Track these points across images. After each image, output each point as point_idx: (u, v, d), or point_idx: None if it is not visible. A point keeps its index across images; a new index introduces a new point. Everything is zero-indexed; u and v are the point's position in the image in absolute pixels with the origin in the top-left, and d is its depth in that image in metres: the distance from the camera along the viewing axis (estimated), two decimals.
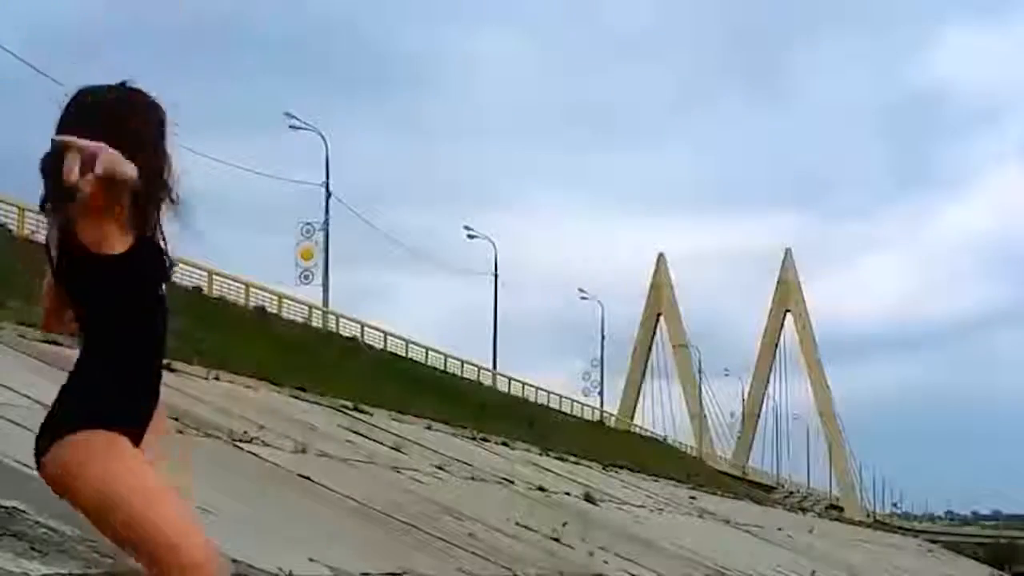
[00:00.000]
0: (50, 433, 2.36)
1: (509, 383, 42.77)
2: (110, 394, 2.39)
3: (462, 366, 40.45)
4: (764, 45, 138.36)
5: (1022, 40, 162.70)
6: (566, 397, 48.47)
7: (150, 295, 2.46)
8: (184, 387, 9.88)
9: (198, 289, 27.05)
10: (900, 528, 72.63)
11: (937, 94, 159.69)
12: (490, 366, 44.38)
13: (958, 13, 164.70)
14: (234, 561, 4.63)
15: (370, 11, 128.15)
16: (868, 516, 74.25)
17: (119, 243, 2.34)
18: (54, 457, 2.34)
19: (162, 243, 2.45)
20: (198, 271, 30.34)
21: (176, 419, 7.93)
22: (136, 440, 2.39)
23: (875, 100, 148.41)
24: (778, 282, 78.91)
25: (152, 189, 2.37)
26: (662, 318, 74.64)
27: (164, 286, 2.49)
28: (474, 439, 16.14)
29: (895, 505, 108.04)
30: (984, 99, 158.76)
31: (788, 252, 79.53)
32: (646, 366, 75.18)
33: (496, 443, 16.44)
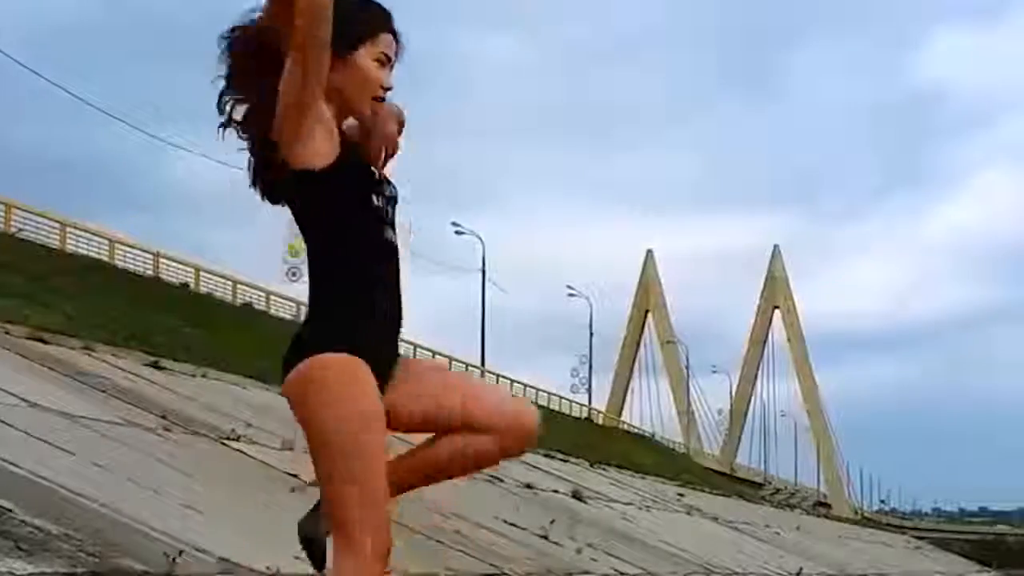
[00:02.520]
0: (297, 353, 2.33)
1: (497, 380, 42.77)
2: (338, 317, 2.35)
3: (450, 363, 40.47)
4: (757, 45, 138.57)
5: (1015, 41, 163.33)
6: (554, 394, 48.49)
7: (354, 209, 2.37)
8: (172, 385, 9.85)
9: (185, 286, 26.97)
10: (887, 525, 72.87)
11: (929, 95, 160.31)
12: (478, 363, 44.37)
13: (951, 14, 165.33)
14: (221, 560, 4.61)
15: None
16: (856, 513, 74.50)
17: (320, 158, 2.31)
18: (296, 372, 2.33)
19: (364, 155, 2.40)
20: (185, 268, 30.28)
21: (163, 417, 7.91)
22: (374, 363, 2.32)
23: (867, 100, 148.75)
24: (766, 279, 79.05)
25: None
26: (650, 315, 74.67)
27: (376, 198, 2.39)
28: None
29: (882, 502, 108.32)
30: (976, 100, 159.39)
31: (776, 249, 79.68)
32: (634, 363, 75.22)
33: None
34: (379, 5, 2.44)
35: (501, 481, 11.81)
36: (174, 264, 30.03)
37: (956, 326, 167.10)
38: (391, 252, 2.42)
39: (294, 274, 39.21)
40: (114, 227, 29.56)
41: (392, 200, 2.45)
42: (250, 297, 31.71)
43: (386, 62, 2.41)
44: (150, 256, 29.20)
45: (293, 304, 34.99)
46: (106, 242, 27.82)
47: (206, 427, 8.23)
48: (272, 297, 34.26)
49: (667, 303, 74.39)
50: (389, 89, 2.41)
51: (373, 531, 2.36)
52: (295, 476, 7.60)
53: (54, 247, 24.39)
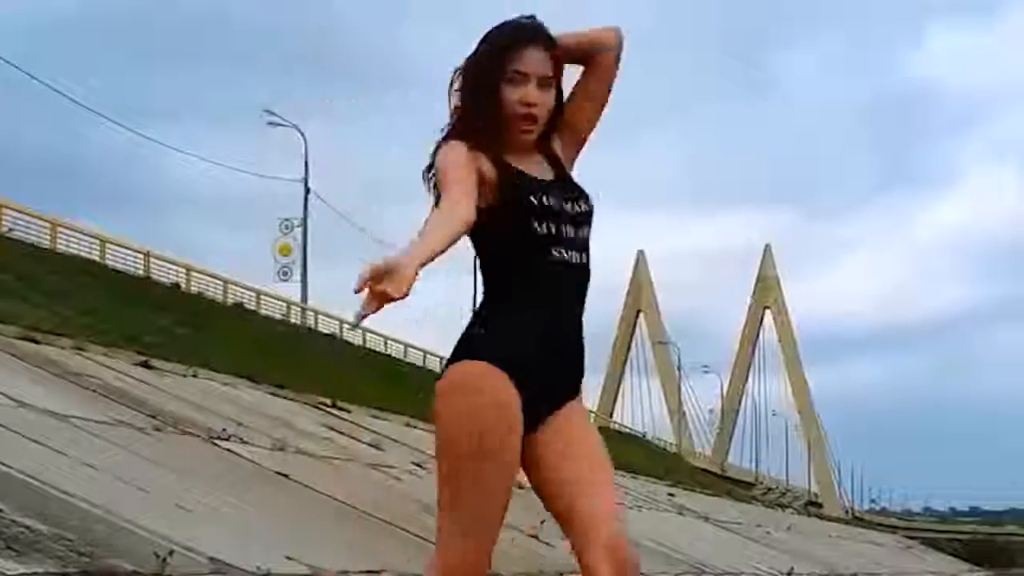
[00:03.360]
0: (451, 356, 2.39)
1: None
2: (492, 330, 2.37)
3: (441, 362, 40.36)
4: (748, 44, 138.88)
5: (1008, 39, 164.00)
6: None
7: (511, 239, 2.38)
8: (161, 384, 9.84)
9: (176, 286, 26.94)
10: (878, 525, 72.96)
11: (922, 93, 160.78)
12: None
13: (945, 13, 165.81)
14: (212, 559, 4.61)
15: (360, 10, 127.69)
16: (847, 513, 74.65)
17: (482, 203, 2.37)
18: (440, 381, 2.36)
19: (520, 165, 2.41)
20: (176, 267, 30.24)
21: (153, 416, 7.90)
22: (521, 380, 2.30)
23: (859, 98, 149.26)
24: (757, 279, 79.16)
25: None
26: (641, 315, 74.75)
27: (539, 224, 2.37)
28: None
29: (873, 501, 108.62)
30: (970, 98, 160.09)
31: (767, 248, 79.81)
32: (625, 363, 75.31)
33: None
34: (506, 27, 2.43)
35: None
36: (165, 264, 30.01)
37: (948, 326, 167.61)
38: (557, 274, 2.38)
39: (285, 274, 39.23)
40: (104, 226, 29.49)
41: (569, 218, 2.41)
42: (241, 297, 31.69)
43: (521, 79, 2.37)
44: (141, 256, 29.16)
45: (284, 304, 34.98)
46: (97, 242, 27.78)
47: (196, 427, 8.22)
48: (263, 297, 34.22)
49: (658, 303, 74.53)
50: (531, 104, 2.37)
51: (453, 559, 2.33)
52: (285, 476, 7.60)
53: (45, 246, 24.35)
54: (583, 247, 2.42)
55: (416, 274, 2.13)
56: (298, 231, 39.15)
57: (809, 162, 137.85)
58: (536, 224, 2.37)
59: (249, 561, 4.75)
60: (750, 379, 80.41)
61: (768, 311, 78.82)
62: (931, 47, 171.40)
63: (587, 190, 2.48)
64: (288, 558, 5.18)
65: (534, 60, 2.38)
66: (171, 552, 4.33)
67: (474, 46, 2.43)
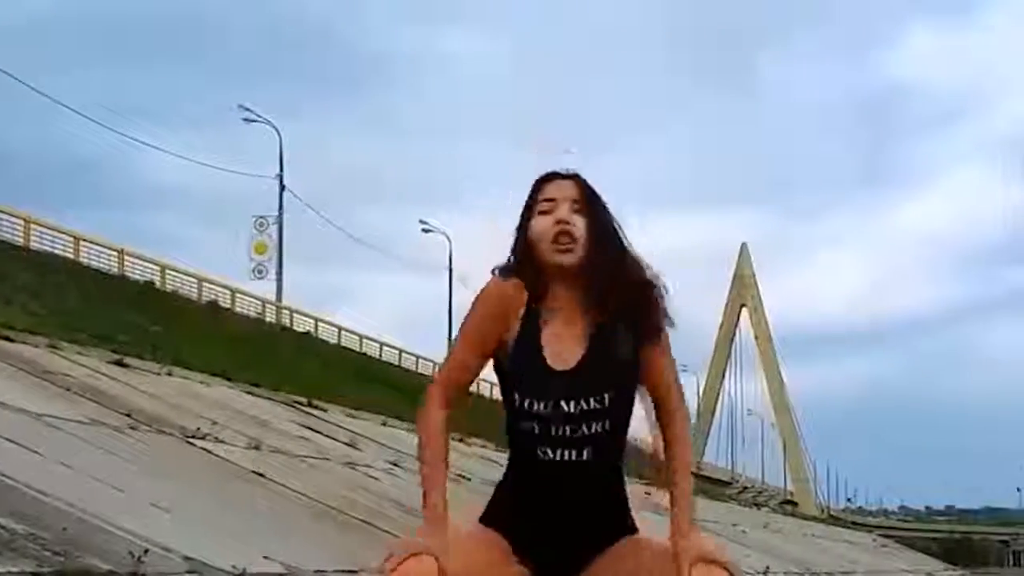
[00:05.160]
0: None
1: None
2: (496, 493, 2.46)
3: (417, 361, 40.38)
4: (728, 44, 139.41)
5: (984, 39, 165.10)
6: None
7: (515, 409, 2.38)
8: (136, 383, 9.79)
9: (150, 284, 26.81)
10: (854, 523, 73.33)
11: (899, 93, 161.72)
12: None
13: (922, 13, 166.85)
14: (187, 559, 4.59)
15: (341, 9, 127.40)
16: (822, 511, 75.02)
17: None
18: None
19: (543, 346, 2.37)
20: (151, 265, 30.09)
21: (128, 415, 7.86)
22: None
23: (836, 98, 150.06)
24: (734, 277, 79.44)
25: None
26: None
27: (539, 404, 2.35)
28: None
29: (849, 500, 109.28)
30: (946, 99, 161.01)
31: (744, 246, 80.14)
32: None
33: (451, 439, 16.40)
34: (541, 176, 2.47)
35: (468, 479, 11.81)
36: (139, 261, 29.84)
37: (924, 325, 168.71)
38: (544, 471, 2.36)
39: (260, 272, 39.07)
40: (79, 225, 29.29)
41: (564, 418, 2.35)
42: (216, 295, 31.54)
43: (551, 205, 2.40)
44: (115, 253, 28.98)
45: (259, 302, 34.85)
46: (71, 239, 27.60)
47: (171, 425, 8.19)
48: (238, 295, 34.07)
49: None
50: (564, 221, 2.37)
51: None
52: (261, 475, 7.58)
53: (18, 244, 24.18)
54: (586, 443, 2.36)
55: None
56: (273, 229, 39.03)
57: (786, 161, 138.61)
58: (522, 422, 2.37)
59: (225, 560, 4.73)
60: (726, 377, 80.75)
61: (745, 309, 79.13)
62: (908, 47, 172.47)
63: (619, 376, 2.40)
64: (264, 557, 5.17)
65: (562, 187, 2.42)
66: (146, 551, 4.31)
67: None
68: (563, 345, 2.37)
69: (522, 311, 2.38)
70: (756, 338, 78.77)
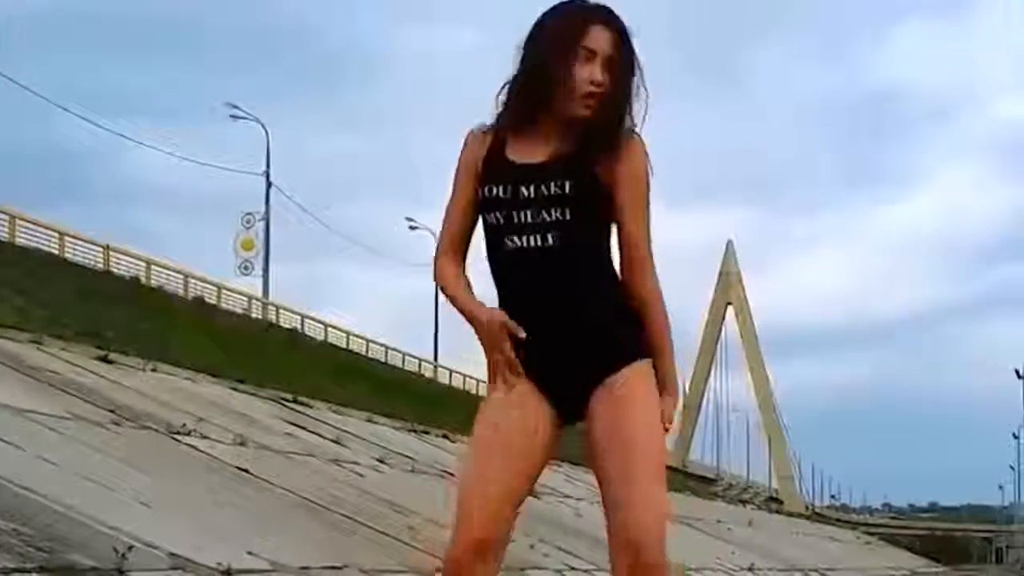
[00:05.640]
0: None
1: (450, 375, 42.73)
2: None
3: (403, 358, 40.35)
4: (714, 42, 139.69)
5: (972, 39, 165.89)
6: None
7: (487, 231, 2.51)
8: (121, 379, 9.76)
9: (136, 279, 26.72)
10: (838, 520, 73.58)
11: (886, 92, 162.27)
12: (431, 357, 44.28)
13: (910, 12, 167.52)
14: (172, 555, 4.58)
15: (324, 6, 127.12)
16: (807, 509, 75.21)
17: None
18: None
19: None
20: (136, 261, 29.99)
21: (113, 411, 7.83)
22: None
23: (824, 97, 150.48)
24: (720, 274, 79.50)
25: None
26: None
27: (494, 216, 2.47)
28: (415, 432, 16.11)
29: (833, 497, 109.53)
30: (932, 98, 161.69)
31: (730, 244, 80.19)
32: None
33: (437, 436, 16.42)
34: (572, 4, 2.46)
35: (454, 476, 11.82)
36: (125, 257, 29.74)
37: (909, 324, 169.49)
38: (514, 262, 2.45)
39: (246, 268, 38.99)
40: (65, 220, 29.18)
41: (524, 202, 2.43)
42: (202, 291, 31.45)
43: (589, 56, 2.40)
44: (100, 249, 28.88)
45: (245, 298, 34.78)
46: (56, 235, 27.50)
47: (156, 421, 8.16)
48: (224, 291, 33.99)
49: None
50: (598, 84, 2.40)
51: (457, 523, 2.40)
52: (246, 471, 7.56)
53: (4, 239, 24.08)
54: (549, 228, 2.41)
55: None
56: (260, 225, 38.95)
57: (772, 159, 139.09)
58: (487, 214, 2.48)
59: (210, 557, 4.72)
60: (712, 375, 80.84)
61: (730, 307, 79.23)
62: (896, 47, 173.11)
63: (584, 173, 2.44)
64: (249, 553, 5.15)
65: (603, 40, 2.41)
66: (130, 547, 4.29)
67: (539, 18, 2.47)
68: (529, 149, 2.46)
69: (487, 150, 2.49)
70: (742, 336, 78.89)
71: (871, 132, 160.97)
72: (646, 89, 2.47)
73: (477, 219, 2.52)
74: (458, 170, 2.54)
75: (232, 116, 38.05)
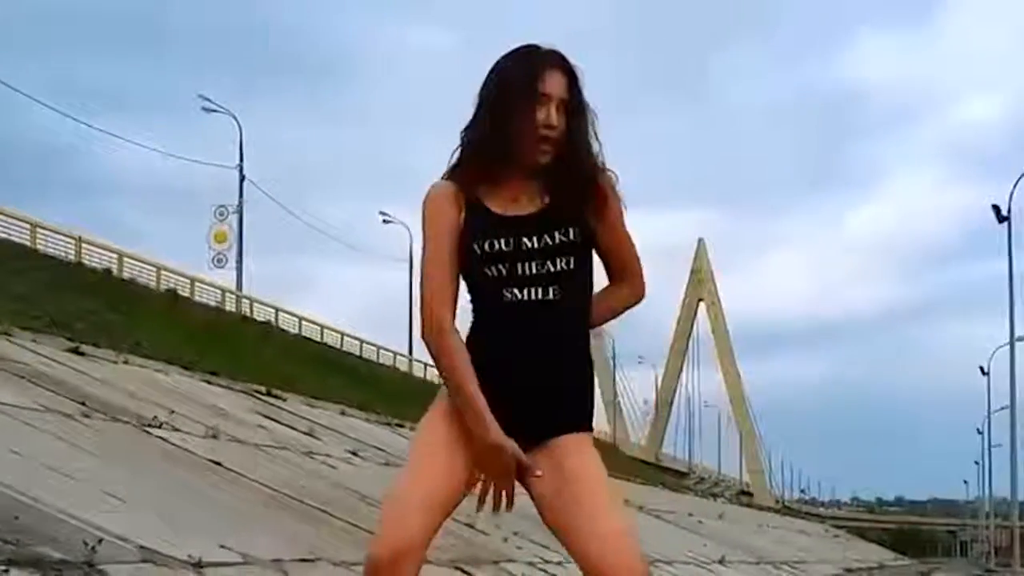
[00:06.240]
0: None
1: (425, 369, 42.69)
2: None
3: (378, 352, 40.29)
4: (681, 46, 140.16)
5: (935, 43, 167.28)
6: None
7: (467, 267, 2.47)
8: (92, 370, 9.70)
9: (108, 271, 26.54)
10: (808, 514, 74.06)
11: (851, 96, 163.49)
12: (406, 351, 44.23)
13: (873, 16, 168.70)
14: (142, 548, 4.56)
15: (300, 1, 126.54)
16: (777, 502, 75.74)
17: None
18: None
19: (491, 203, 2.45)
20: (108, 253, 29.80)
21: (84, 403, 7.78)
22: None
23: (790, 100, 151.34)
24: (691, 272, 79.92)
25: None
26: None
27: (490, 269, 2.42)
28: (389, 424, 16.10)
29: (803, 491, 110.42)
30: (895, 101, 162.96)
31: (701, 242, 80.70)
32: None
33: (411, 429, 16.40)
34: (527, 51, 2.46)
35: None
36: (96, 249, 29.56)
37: (877, 322, 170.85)
38: (511, 315, 2.41)
39: (219, 261, 38.80)
40: (38, 213, 28.91)
41: (527, 254, 2.39)
42: (175, 283, 31.29)
43: (545, 100, 2.40)
44: (72, 241, 28.69)
45: (218, 291, 34.62)
46: (27, 226, 27.29)
47: (127, 414, 8.12)
48: (197, 284, 33.84)
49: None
50: (552, 127, 2.40)
51: (382, 525, 2.39)
52: (218, 464, 7.53)
53: None
54: (552, 281, 2.40)
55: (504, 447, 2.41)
56: (233, 218, 38.77)
57: (739, 162, 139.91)
58: (485, 268, 2.42)
59: (181, 549, 4.70)
60: (684, 371, 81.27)
61: (702, 303, 79.63)
62: (860, 50, 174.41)
63: (580, 218, 2.43)
64: (221, 546, 5.14)
65: (556, 83, 2.42)
66: (100, 540, 4.27)
67: (493, 68, 2.47)
68: (509, 201, 2.45)
69: (463, 203, 2.45)
70: (713, 332, 79.31)
71: (834, 135, 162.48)
72: (597, 135, 2.49)
73: (459, 275, 2.47)
74: (429, 226, 2.46)
75: (204, 109, 37.87)
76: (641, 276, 2.61)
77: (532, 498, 2.49)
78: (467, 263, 2.44)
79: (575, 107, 2.44)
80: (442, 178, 2.50)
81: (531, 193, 2.45)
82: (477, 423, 2.37)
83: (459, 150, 2.49)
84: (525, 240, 2.39)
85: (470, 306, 2.50)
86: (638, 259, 2.59)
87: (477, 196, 2.45)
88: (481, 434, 2.37)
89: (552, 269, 2.39)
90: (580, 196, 2.43)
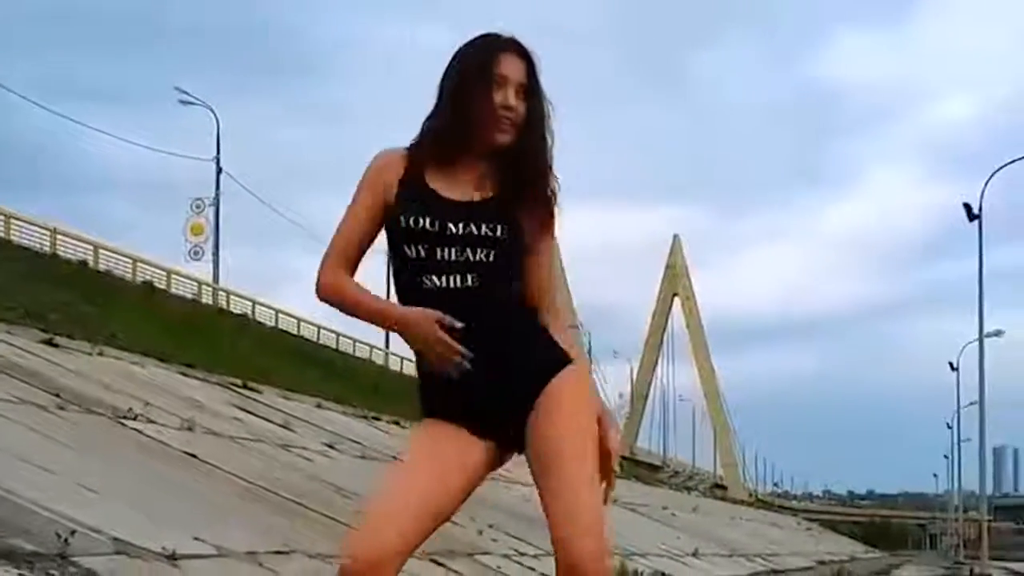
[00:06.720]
0: None
1: (402, 362, 42.63)
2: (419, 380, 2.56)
3: (354, 345, 40.22)
4: (663, 44, 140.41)
5: (912, 43, 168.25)
6: None
7: (391, 243, 2.49)
8: (67, 362, 9.66)
9: (83, 263, 26.39)
10: (780, 507, 74.46)
11: (829, 94, 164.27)
12: (383, 345, 44.16)
13: (852, 16, 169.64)
14: (115, 540, 4.56)
15: None
16: (750, 495, 76.12)
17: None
18: None
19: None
20: (83, 245, 29.63)
21: (58, 395, 7.76)
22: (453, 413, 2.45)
23: (769, 98, 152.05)
24: (666, 267, 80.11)
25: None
26: None
27: (411, 248, 2.43)
28: (366, 418, 16.09)
29: (776, 485, 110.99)
30: (873, 100, 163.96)
31: (676, 238, 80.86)
32: None
33: (388, 422, 16.41)
34: (486, 36, 2.50)
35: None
36: (72, 241, 29.38)
37: (848, 319, 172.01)
38: (430, 301, 2.41)
39: (196, 253, 38.64)
40: (16, 206, 28.73)
41: (451, 239, 2.40)
42: (151, 276, 31.15)
43: (502, 82, 2.44)
44: (47, 232, 28.51)
45: (194, 283, 34.47)
46: (2, 217, 27.10)
47: (102, 406, 8.09)
48: (174, 276, 33.70)
49: (570, 289, 74.99)
50: (510, 108, 2.43)
51: (356, 534, 2.38)
52: (193, 456, 7.53)
53: None
54: (471, 269, 2.40)
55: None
56: (210, 211, 38.62)
57: (718, 159, 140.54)
58: (406, 246, 2.42)
59: (155, 541, 4.70)
60: (659, 365, 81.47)
61: (677, 298, 79.82)
62: (840, 49, 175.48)
63: (512, 217, 2.44)
64: (195, 538, 5.14)
65: (514, 67, 2.46)
66: (73, 532, 4.27)
67: (452, 57, 2.50)
68: (452, 182, 2.46)
69: (403, 174, 2.46)
70: (688, 327, 79.52)
71: (813, 133, 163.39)
72: (551, 133, 2.50)
73: (374, 237, 2.49)
74: (362, 185, 2.49)
75: (182, 102, 37.69)
76: (551, 295, 2.54)
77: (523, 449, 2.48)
78: (392, 236, 2.46)
79: (533, 92, 2.47)
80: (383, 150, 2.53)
81: (480, 180, 2.46)
82: (392, 320, 2.44)
83: (419, 136, 2.51)
84: (450, 225, 2.40)
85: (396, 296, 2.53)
86: (552, 282, 2.55)
87: (422, 172, 2.46)
88: (399, 326, 2.42)
89: (471, 259, 2.40)
90: (525, 196, 2.45)
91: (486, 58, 2.45)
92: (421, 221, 2.40)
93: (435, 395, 2.48)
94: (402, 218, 2.42)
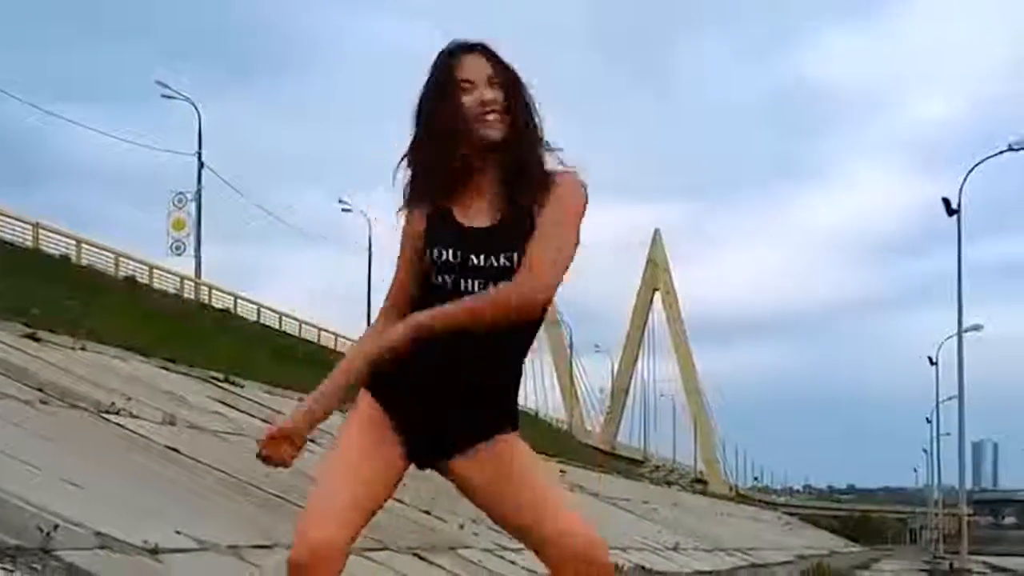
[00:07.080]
0: None
1: None
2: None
3: (336, 339, 40.21)
4: (645, 41, 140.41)
5: (892, 41, 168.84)
6: None
7: (420, 272, 2.50)
8: (49, 357, 9.66)
9: (66, 258, 26.33)
10: (761, 501, 74.72)
11: (811, 91, 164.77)
12: None
13: (833, 14, 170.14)
14: (98, 534, 4.58)
15: None
16: (731, 490, 76.35)
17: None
18: None
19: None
20: (66, 239, 29.52)
21: (40, 389, 7.77)
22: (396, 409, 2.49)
23: (750, 95, 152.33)
24: (647, 262, 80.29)
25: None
26: None
27: (437, 276, 2.43)
28: (346, 411, 16.09)
29: (756, 479, 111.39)
30: (854, 97, 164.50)
31: (657, 233, 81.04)
32: None
33: None
34: (437, 58, 2.48)
35: None
36: (54, 235, 29.28)
37: (829, 314, 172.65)
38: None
39: (178, 248, 38.51)
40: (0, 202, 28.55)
41: (473, 271, 2.40)
42: (133, 270, 31.07)
43: (470, 86, 2.42)
44: (29, 227, 28.40)
45: (177, 278, 34.39)
46: None
47: (84, 400, 8.11)
48: (156, 271, 33.62)
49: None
50: (487, 103, 2.41)
51: (305, 527, 2.43)
52: (175, 450, 7.55)
53: None
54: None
55: (302, 440, 2.60)
56: (192, 206, 38.51)
57: (699, 156, 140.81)
58: (437, 276, 2.44)
59: (137, 536, 4.73)
60: (640, 360, 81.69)
61: (657, 293, 80.00)
62: (820, 47, 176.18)
63: (522, 242, 2.40)
64: (177, 532, 5.17)
65: (476, 67, 2.43)
66: (56, 526, 4.29)
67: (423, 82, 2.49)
68: (474, 212, 2.45)
69: (430, 210, 2.46)
70: (668, 321, 79.70)
71: (793, 129, 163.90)
72: (536, 112, 2.48)
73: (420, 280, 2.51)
74: (402, 246, 2.54)
75: (164, 96, 37.56)
76: (531, 270, 2.39)
77: (463, 488, 2.54)
78: (425, 270, 2.46)
79: (504, 77, 2.44)
80: (399, 210, 2.51)
81: (493, 195, 2.44)
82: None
83: (409, 175, 2.48)
84: (472, 257, 2.40)
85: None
86: (541, 256, 2.41)
87: (443, 203, 2.45)
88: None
89: (466, 286, 2.41)
90: (532, 201, 2.42)
91: (444, 75, 2.43)
92: (444, 253, 2.42)
93: (394, 384, 2.50)
94: (430, 253, 2.43)
